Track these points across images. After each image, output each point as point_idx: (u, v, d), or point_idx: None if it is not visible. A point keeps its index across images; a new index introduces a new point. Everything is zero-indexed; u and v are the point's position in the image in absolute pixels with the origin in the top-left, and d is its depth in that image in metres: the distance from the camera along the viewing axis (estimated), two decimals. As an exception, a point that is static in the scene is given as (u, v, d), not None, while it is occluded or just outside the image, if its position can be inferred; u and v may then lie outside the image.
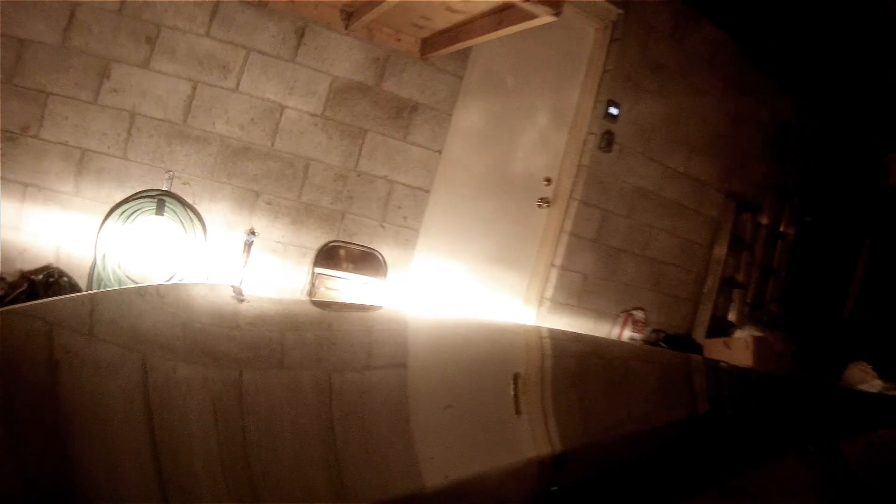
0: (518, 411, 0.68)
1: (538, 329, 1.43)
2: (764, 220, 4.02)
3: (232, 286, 1.03)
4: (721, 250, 3.75)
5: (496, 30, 2.08)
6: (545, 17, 1.85)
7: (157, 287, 0.92)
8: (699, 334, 3.68)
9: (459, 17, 2.23)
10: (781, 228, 4.21)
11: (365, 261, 2.71)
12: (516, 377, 0.84)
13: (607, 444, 0.62)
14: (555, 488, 0.51)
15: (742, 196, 3.86)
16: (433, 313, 1.11)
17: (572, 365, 1.01)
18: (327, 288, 2.62)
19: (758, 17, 3.61)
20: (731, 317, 3.73)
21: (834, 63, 3.99)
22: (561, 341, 1.18)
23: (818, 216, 4.33)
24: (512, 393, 0.75)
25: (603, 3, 3.13)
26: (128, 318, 0.76)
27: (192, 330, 0.77)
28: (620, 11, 3.18)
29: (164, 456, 0.44)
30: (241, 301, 0.99)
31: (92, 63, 2.37)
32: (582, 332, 3.30)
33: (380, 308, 1.11)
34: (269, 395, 0.60)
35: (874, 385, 3.33)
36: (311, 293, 2.61)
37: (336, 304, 1.03)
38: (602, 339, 1.67)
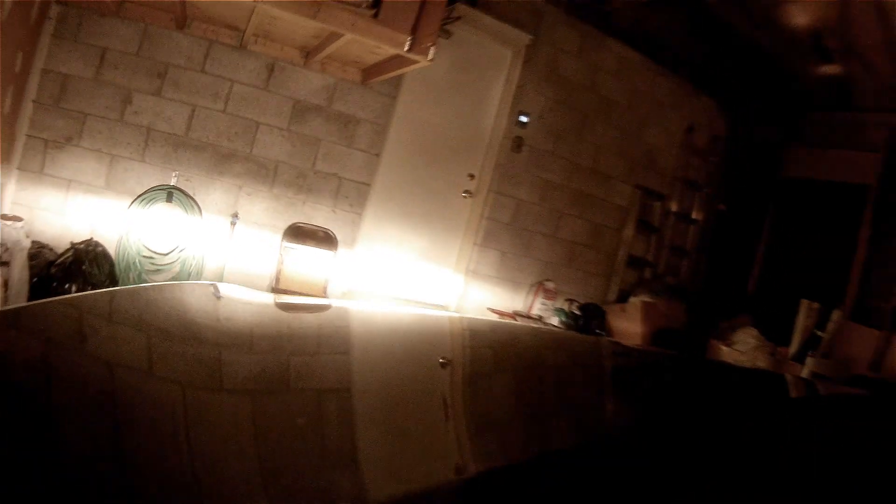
0: (440, 404, 0.75)
1: (461, 319, 1.64)
2: (673, 208, 4.83)
3: (212, 285, 1.19)
4: (629, 233, 4.58)
5: (399, 69, 2.99)
6: (423, 62, 2.76)
7: (149, 288, 1.10)
8: (609, 302, 4.52)
9: (380, 58, 3.14)
10: (693, 215, 5.01)
11: (320, 237, 3.65)
12: (440, 369, 0.93)
13: (519, 426, 0.70)
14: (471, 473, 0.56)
15: (650, 187, 4.68)
16: (367, 309, 1.28)
17: (488, 354, 1.11)
18: (292, 259, 3.57)
19: (668, 33, 4.43)
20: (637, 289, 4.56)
21: (739, 69, 4.76)
22: (479, 331, 1.31)
23: (729, 205, 5.12)
24: (434, 385, 0.82)
25: (517, 32, 4.00)
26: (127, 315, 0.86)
27: (177, 323, 0.88)
28: (532, 37, 4.05)
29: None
30: (219, 299, 1.10)
31: (118, 92, 3.34)
32: (503, 300, 4.19)
33: (329, 307, 1.29)
34: (234, 378, 0.69)
35: (749, 342, 4.13)
36: (279, 261, 3.56)
37: (293, 304, 1.24)
38: (514, 326, 2.01)
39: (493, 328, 1.43)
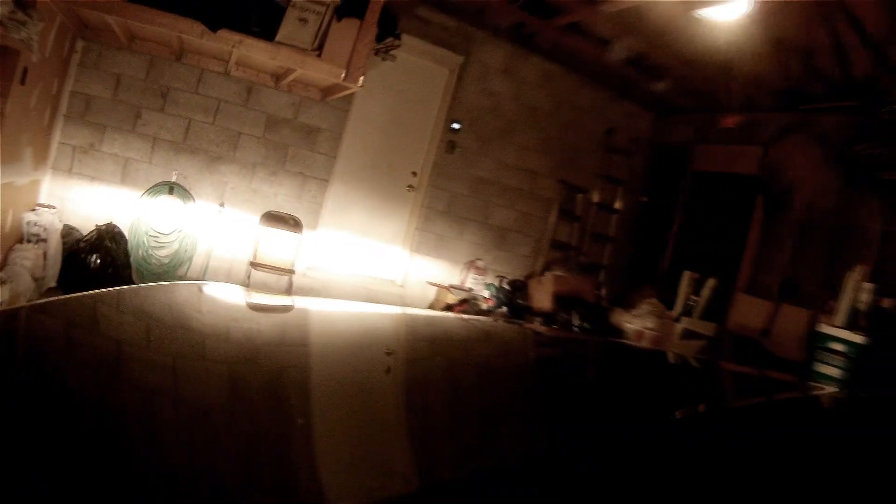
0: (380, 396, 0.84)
1: (406, 315, 1.77)
2: (595, 199, 5.78)
3: (199, 283, 1.31)
4: (553, 220, 5.55)
5: (343, 91, 4.00)
6: (355, 88, 3.76)
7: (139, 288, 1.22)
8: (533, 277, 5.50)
9: (329, 83, 4.15)
10: (616, 206, 5.96)
11: (289, 222, 4.67)
12: (383, 361, 1.03)
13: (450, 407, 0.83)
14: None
15: (572, 182, 5.64)
16: (320, 309, 1.38)
17: (425, 347, 1.21)
18: (267, 239, 4.60)
19: (587, 50, 5.35)
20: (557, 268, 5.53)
21: (653, 77, 5.67)
22: (417, 325, 1.42)
23: (650, 196, 6.06)
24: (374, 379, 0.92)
25: (451, 54, 4.98)
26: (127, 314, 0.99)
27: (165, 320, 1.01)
28: (464, 58, 5.03)
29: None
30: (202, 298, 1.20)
31: (130, 109, 4.39)
32: (442, 275, 5.18)
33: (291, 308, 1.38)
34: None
35: (644, 308, 5.07)
36: (256, 241, 4.59)
37: (261, 305, 1.34)
38: (450, 318, 2.17)
39: (429, 322, 1.60)
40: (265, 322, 1.18)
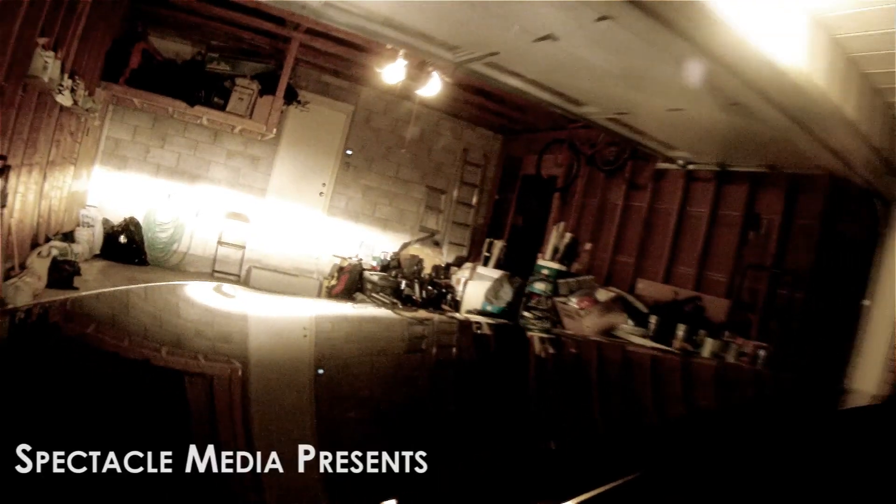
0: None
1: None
2: (455, 197, 8.83)
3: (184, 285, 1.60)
4: (421, 213, 8.60)
5: (268, 135, 7.12)
6: (270, 135, 6.87)
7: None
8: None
9: (260, 131, 7.24)
10: (473, 202, 8.99)
11: (242, 217, 7.79)
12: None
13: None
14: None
15: (436, 186, 8.69)
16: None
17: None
18: (228, 228, 7.71)
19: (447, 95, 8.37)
20: (426, 243, 8.55)
21: (499, 113, 8.67)
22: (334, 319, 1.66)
23: (501, 195, 9.08)
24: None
25: (345, 104, 8.08)
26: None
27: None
28: (354, 106, 8.12)
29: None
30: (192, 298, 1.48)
31: (142, 147, 7.54)
32: (345, 252, 8.23)
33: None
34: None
35: (467, 267, 8.06)
36: (221, 230, 7.70)
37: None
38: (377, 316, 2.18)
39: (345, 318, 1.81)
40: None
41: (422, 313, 2.57)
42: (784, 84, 3.11)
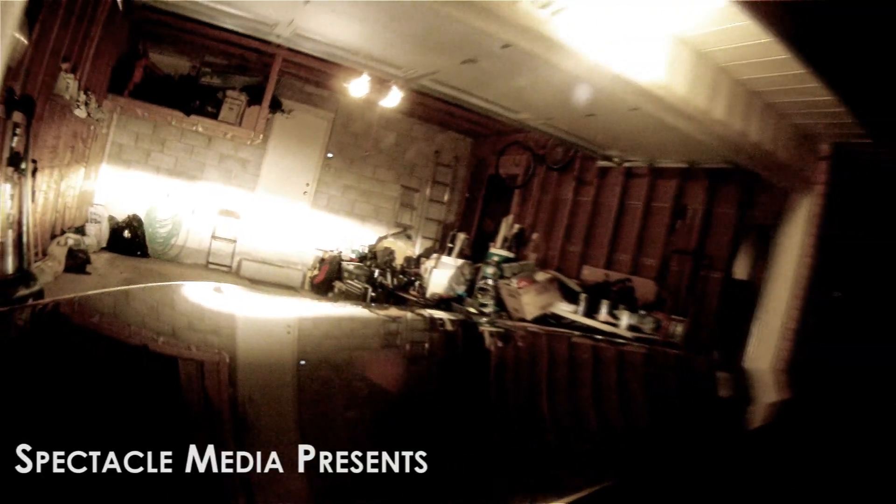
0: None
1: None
2: (427, 196, 9.79)
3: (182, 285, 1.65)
4: (396, 209, 9.56)
5: (256, 140, 8.09)
6: (257, 140, 7.84)
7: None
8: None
9: (248, 137, 8.21)
10: (445, 199, 9.95)
11: (233, 213, 8.75)
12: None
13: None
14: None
15: (410, 185, 9.66)
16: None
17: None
18: (221, 223, 8.68)
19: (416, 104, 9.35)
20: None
21: (470, 118, 9.64)
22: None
23: (471, 192, 10.04)
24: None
25: (327, 112, 9.06)
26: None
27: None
28: (334, 113, 9.09)
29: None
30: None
31: (143, 151, 8.53)
32: (327, 245, 9.20)
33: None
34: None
35: (433, 258, 9.01)
36: (214, 225, 8.66)
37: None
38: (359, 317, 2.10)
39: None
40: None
41: (393, 311, 2.89)
42: (646, 94, 3.99)
